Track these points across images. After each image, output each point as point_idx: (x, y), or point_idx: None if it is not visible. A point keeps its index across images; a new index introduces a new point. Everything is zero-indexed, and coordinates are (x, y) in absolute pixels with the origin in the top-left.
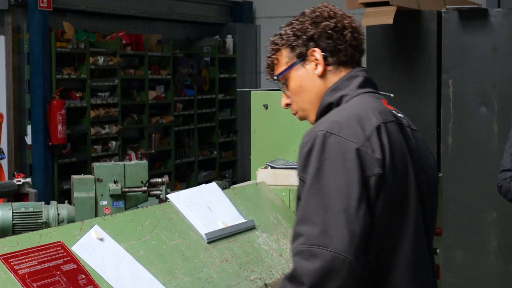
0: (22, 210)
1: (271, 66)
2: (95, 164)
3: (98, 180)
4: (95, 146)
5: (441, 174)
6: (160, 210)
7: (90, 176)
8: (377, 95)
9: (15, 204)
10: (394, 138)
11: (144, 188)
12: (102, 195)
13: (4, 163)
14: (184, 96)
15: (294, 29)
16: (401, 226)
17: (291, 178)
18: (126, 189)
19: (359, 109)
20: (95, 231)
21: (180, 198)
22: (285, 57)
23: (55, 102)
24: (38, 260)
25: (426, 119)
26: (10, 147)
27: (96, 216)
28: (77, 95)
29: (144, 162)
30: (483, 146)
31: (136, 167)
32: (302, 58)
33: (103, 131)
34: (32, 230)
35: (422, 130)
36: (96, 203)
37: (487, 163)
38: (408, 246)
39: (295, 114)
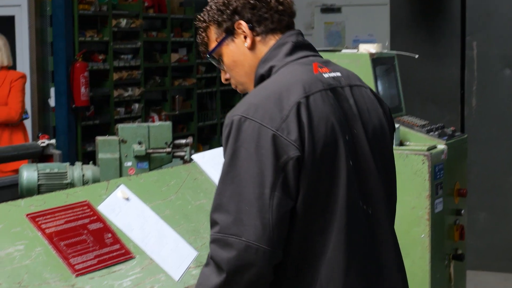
0: (47, 171)
1: (204, 44)
2: (119, 126)
3: (123, 141)
4: (118, 109)
5: (466, 135)
6: (185, 171)
7: (114, 137)
8: (307, 59)
9: (40, 165)
10: (318, 112)
11: (168, 149)
12: (126, 156)
13: (28, 125)
14: (206, 58)
15: (217, 4)
16: (331, 206)
17: None
18: (151, 150)
19: (281, 84)
20: (121, 191)
21: (205, 159)
22: (214, 33)
23: (78, 64)
24: (65, 219)
25: (449, 81)
26: (33, 109)
27: (120, 177)
28: (100, 57)
29: (168, 123)
30: (507, 108)
31: (160, 128)
32: (230, 32)
33: (126, 94)
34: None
35: (445, 92)
36: (121, 164)
37: (511, 125)
38: (341, 224)
39: (235, 88)
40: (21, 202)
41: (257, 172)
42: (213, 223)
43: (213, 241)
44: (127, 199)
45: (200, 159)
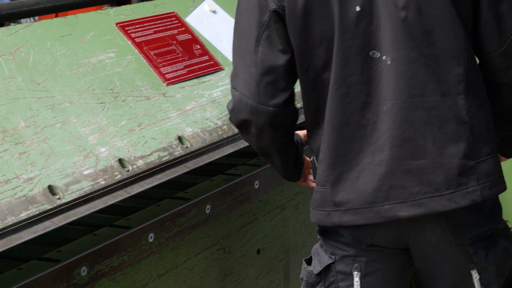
0: None
1: None
2: None
3: None
4: None
5: None
6: None
7: None
8: None
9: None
10: None
11: None
12: None
13: None
14: None
15: None
16: (324, 56)
17: None
18: None
19: None
20: (208, 4)
21: None
22: None
23: None
24: (154, 29)
25: None
26: None
27: None
28: None
29: None
30: None
31: None
32: None
33: None
34: None
35: None
36: None
37: None
38: (336, 74)
39: None
40: (111, 11)
41: (248, 26)
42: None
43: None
44: (214, 11)
45: None
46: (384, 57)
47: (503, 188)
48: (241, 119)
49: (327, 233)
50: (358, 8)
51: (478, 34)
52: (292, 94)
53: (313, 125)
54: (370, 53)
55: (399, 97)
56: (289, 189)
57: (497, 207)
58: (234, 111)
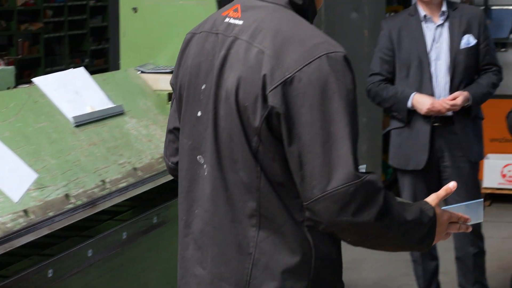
0: None
1: None
2: None
3: None
4: None
5: None
6: (26, 93)
7: None
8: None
9: None
10: (193, 51)
11: None
12: None
13: None
14: (54, 2)
15: None
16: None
17: (161, 82)
18: None
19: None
20: None
21: (47, 81)
22: None
23: None
24: None
25: None
26: None
27: None
28: None
29: (11, 67)
30: (354, 51)
31: (2, 72)
32: None
33: None
34: None
35: None
36: None
37: (358, 69)
38: (181, 165)
39: None
40: None
41: None
42: None
43: None
44: None
45: (42, 82)
46: (205, 166)
47: None
48: None
49: None
50: (199, 113)
51: None
52: None
53: None
54: (198, 157)
55: (202, 207)
56: None
57: None
58: None
